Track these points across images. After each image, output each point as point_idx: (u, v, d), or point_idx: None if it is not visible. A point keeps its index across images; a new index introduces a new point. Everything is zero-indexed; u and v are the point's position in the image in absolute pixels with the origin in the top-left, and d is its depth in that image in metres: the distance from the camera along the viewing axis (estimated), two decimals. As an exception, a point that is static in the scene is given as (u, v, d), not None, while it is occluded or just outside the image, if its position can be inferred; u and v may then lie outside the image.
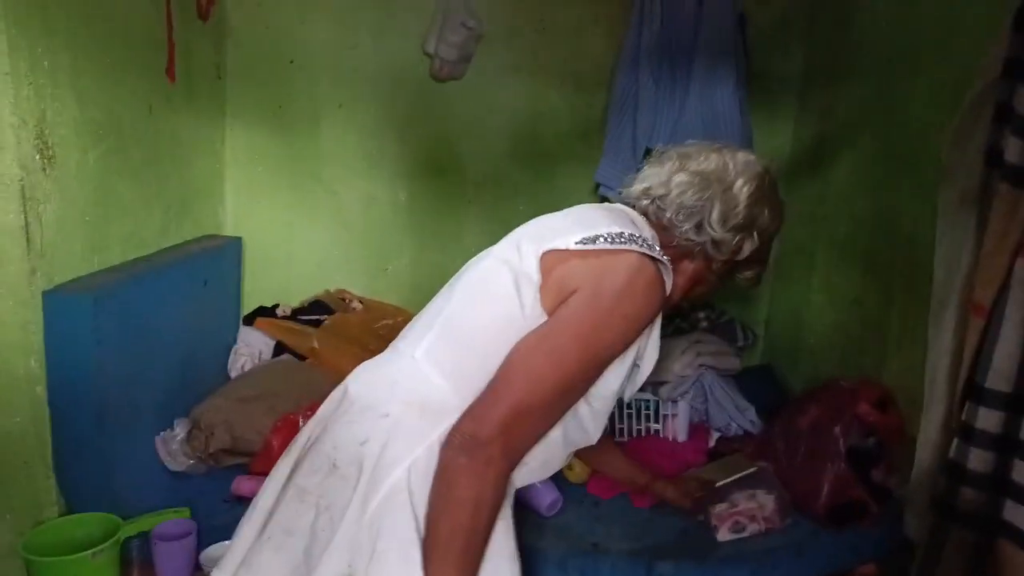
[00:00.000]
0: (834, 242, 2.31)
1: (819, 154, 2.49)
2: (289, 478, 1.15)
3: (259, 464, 1.89)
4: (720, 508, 1.73)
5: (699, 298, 1.39)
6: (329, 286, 2.79)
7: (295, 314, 2.59)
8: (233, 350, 2.48)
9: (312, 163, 2.73)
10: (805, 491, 1.78)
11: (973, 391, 1.42)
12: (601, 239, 1.13)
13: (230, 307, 2.57)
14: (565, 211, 1.29)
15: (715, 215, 1.23)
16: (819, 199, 2.46)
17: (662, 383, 2.22)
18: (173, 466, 1.93)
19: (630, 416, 2.20)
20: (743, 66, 2.42)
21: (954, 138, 1.55)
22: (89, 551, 1.52)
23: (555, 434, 1.15)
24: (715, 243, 1.25)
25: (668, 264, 1.19)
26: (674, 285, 1.25)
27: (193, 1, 2.17)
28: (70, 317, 1.62)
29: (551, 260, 1.14)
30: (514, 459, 1.07)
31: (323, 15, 2.61)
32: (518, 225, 1.30)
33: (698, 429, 2.20)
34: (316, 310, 2.59)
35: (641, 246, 1.14)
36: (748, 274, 1.36)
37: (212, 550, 1.68)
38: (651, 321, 1.18)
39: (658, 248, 1.19)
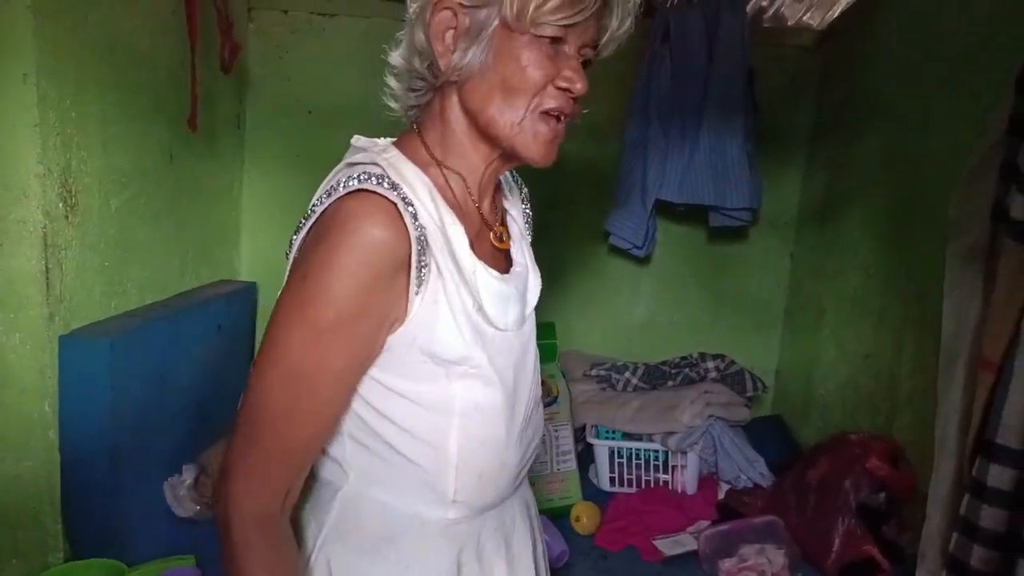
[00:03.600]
0: (844, 296, 2.32)
1: (828, 207, 2.51)
2: None
3: (266, 510, 1.89)
4: (729, 563, 1.71)
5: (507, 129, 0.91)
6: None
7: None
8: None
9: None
10: (815, 546, 1.75)
11: (984, 447, 1.41)
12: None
13: (243, 352, 2.59)
14: None
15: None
16: (828, 251, 2.47)
17: (671, 433, 2.21)
18: (180, 512, 1.93)
19: (638, 467, 2.18)
20: (752, 119, 2.46)
21: (962, 193, 1.57)
22: (94, 597, 1.52)
23: (450, 447, 0.92)
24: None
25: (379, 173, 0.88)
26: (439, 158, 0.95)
27: (216, 53, 2.24)
28: (86, 362, 1.64)
29: None
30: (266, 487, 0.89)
31: (343, 67, 2.68)
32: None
33: (707, 481, 2.19)
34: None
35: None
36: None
37: (217, 597, 1.67)
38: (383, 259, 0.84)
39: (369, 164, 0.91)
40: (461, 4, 0.87)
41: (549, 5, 0.84)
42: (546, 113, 0.90)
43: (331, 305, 0.83)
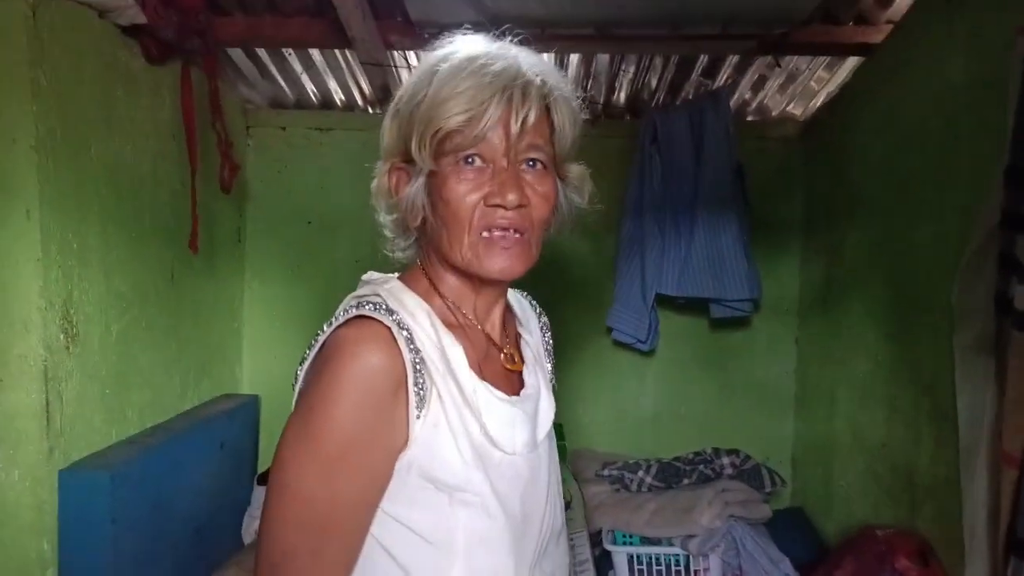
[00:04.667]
0: (854, 383, 2.29)
1: (829, 293, 2.52)
2: None
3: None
4: None
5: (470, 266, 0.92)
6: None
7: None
8: (247, 512, 2.43)
9: (327, 318, 2.77)
10: (851, 655, 1.67)
11: (1015, 545, 1.36)
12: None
13: (245, 467, 2.54)
14: None
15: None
16: (834, 337, 2.46)
17: (691, 536, 2.14)
18: (183, 646, 1.85)
19: (659, 572, 2.11)
20: (744, 212, 2.49)
21: (962, 283, 1.57)
22: None
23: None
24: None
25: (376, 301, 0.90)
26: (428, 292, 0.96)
27: (216, 174, 2.29)
28: (86, 496, 1.60)
29: None
30: None
31: (342, 179, 2.74)
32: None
33: (732, 584, 2.11)
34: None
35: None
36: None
37: None
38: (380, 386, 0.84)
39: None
40: (400, 164, 0.93)
41: (448, 124, 0.86)
42: (489, 232, 0.91)
43: (336, 434, 0.82)
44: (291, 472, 0.84)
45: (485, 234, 0.90)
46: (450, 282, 0.97)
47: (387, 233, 1.00)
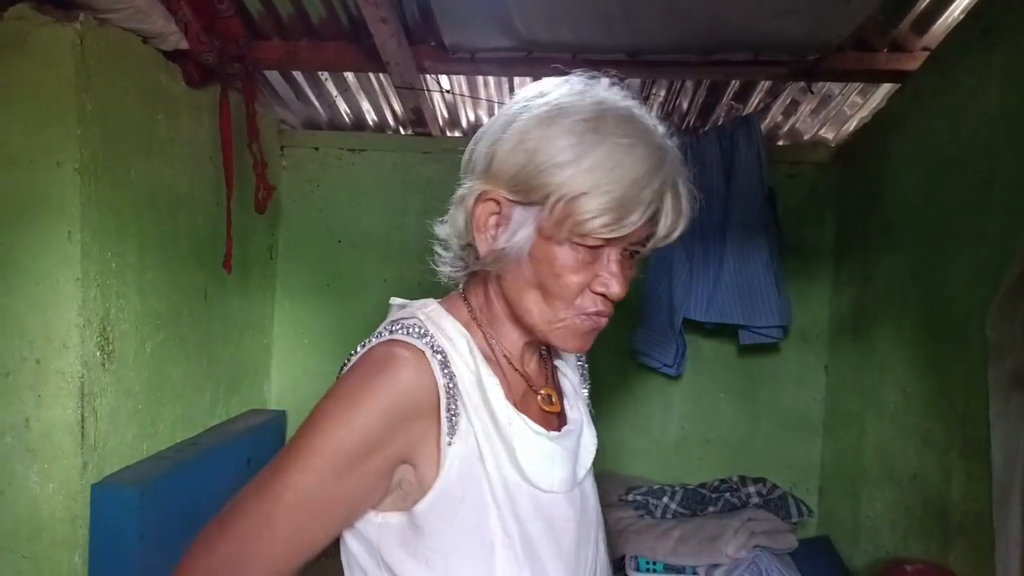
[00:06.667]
0: (884, 412, 2.25)
1: (860, 322, 2.48)
2: None
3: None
4: None
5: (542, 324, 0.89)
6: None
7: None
8: (273, 529, 2.45)
9: (357, 335, 2.76)
10: None
11: (1051, 589, 1.33)
12: None
13: (272, 483, 2.56)
14: None
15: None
16: (864, 366, 2.42)
17: (716, 565, 2.12)
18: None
19: (682, 602, 2.08)
20: (775, 239, 2.47)
21: (998, 317, 1.55)
22: None
23: None
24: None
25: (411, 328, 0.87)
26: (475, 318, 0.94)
27: (251, 194, 2.33)
28: (116, 511, 1.63)
29: None
30: None
31: (373, 199, 2.78)
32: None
33: (756, 616, 2.08)
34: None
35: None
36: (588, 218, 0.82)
37: None
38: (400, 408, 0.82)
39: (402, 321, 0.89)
40: (506, 198, 0.85)
41: (592, 224, 0.81)
42: (582, 316, 0.88)
43: (342, 431, 0.79)
44: (282, 456, 0.81)
45: (579, 317, 0.87)
46: (503, 326, 0.94)
47: (441, 251, 0.95)
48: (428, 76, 2.41)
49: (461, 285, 0.97)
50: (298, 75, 2.51)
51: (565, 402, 1.03)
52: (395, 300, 0.98)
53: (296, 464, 0.79)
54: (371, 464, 0.81)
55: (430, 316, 0.91)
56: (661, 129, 0.87)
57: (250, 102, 2.21)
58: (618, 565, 2.28)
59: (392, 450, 0.81)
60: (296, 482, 0.79)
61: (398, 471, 0.84)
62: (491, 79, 2.50)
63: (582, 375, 1.13)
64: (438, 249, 0.96)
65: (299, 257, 2.81)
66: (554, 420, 1.00)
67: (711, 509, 2.32)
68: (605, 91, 0.86)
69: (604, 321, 0.89)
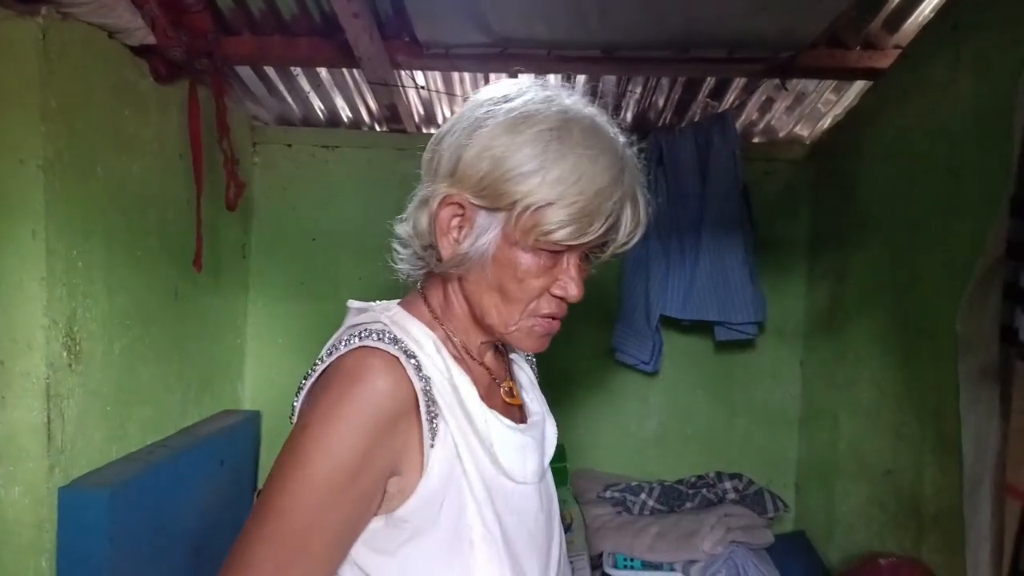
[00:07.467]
0: (858, 408, 2.27)
1: (834, 317, 2.50)
2: None
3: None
4: None
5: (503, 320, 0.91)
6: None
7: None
8: (247, 530, 2.42)
9: (332, 334, 2.77)
10: None
11: (1020, 580, 1.34)
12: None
13: (245, 484, 2.54)
14: None
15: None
16: (838, 361, 2.44)
17: (692, 561, 2.12)
18: (180, 667, 1.84)
19: (659, 598, 2.09)
20: (750, 234, 2.49)
21: (967, 312, 1.56)
22: None
23: None
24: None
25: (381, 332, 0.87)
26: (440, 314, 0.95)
27: (222, 191, 2.30)
28: (85, 514, 1.60)
29: None
30: None
31: (347, 196, 2.75)
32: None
33: (733, 611, 2.08)
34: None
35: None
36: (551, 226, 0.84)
37: None
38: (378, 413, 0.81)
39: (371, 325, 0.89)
40: (471, 202, 0.86)
41: (558, 234, 0.83)
42: (539, 317, 0.91)
43: (329, 456, 0.78)
44: (275, 491, 0.80)
45: (535, 319, 0.91)
46: (463, 325, 0.96)
47: (399, 249, 0.97)
48: (403, 72, 2.39)
49: (420, 284, 0.99)
50: (270, 71, 2.48)
51: (524, 394, 1.06)
52: (353, 303, 0.98)
53: (294, 501, 0.79)
54: (364, 484, 0.81)
55: (395, 320, 0.91)
56: (622, 139, 0.90)
57: (219, 98, 2.18)
58: (596, 562, 2.28)
59: (381, 464, 0.82)
60: (295, 524, 0.79)
61: (389, 482, 0.85)
62: (467, 75, 2.48)
63: (532, 368, 1.17)
64: (396, 247, 0.97)
65: (272, 255, 2.77)
66: (517, 412, 1.03)
67: (688, 505, 2.33)
68: (569, 98, 0.89)
69: (558, 324, 0.93)
